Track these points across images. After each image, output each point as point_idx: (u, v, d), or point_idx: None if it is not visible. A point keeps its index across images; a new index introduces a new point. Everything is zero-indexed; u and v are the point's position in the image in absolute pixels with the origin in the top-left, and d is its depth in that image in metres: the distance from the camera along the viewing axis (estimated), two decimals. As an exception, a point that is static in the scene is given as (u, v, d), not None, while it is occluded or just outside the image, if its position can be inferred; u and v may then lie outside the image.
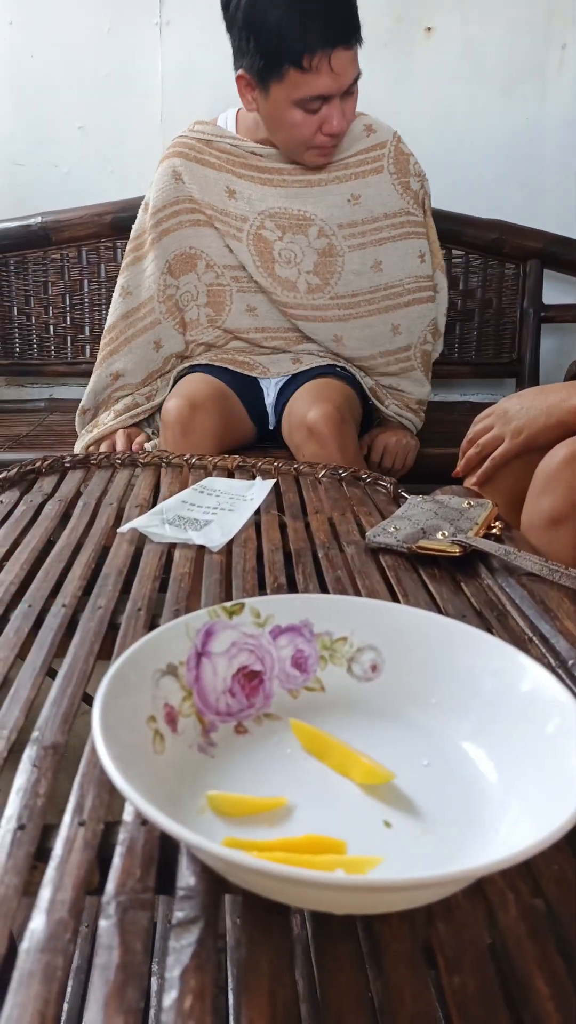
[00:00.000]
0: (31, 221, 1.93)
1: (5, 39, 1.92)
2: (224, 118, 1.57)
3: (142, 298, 1.58)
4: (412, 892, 0.34)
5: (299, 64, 1.27)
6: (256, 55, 1.30)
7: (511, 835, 0.38)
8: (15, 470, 0.97)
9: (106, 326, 1.61)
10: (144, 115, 1.97)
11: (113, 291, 1.84)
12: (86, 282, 1.97)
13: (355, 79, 1.36)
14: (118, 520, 0.85)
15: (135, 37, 1.93)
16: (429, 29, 1.94)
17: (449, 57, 1.96)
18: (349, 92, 1.37)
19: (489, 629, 0.63)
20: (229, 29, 1.36)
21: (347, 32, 1.29)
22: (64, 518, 0.86)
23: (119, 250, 1.96)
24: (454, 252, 1.99)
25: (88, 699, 0.53)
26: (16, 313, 1.99)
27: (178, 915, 0.36)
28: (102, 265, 1.97)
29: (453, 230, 1.96)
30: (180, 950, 0.34)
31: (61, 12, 1.91)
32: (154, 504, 0.89)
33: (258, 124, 1.48)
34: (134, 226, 1.61)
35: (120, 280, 1.60)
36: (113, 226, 1.92)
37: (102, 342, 1.61)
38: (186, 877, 0.38)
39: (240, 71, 1.37)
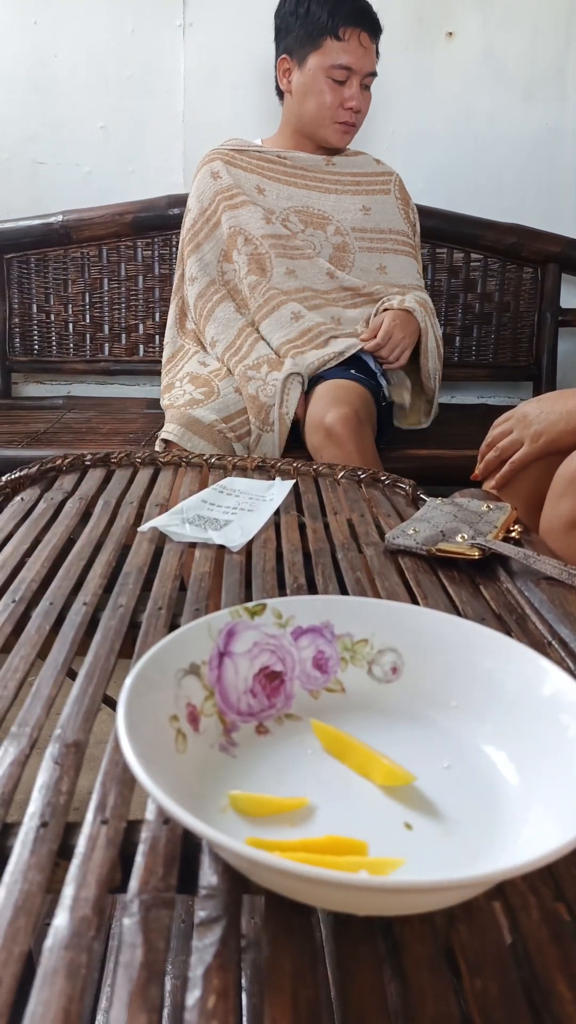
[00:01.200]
0: (52, 219, 1.94)
1: (29, 39, 1.94)
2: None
3: (206, 282, 1.68)
4: (436, 894, 0.34)
5: (335, 34, 1.58)
6: (301, 30, 1.61)
7: (533, 838, 0.38)
8: (36, 467, 0.98)
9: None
10: (166, 116, 1.98)
11: (132, 290, 1.89)
12: (106, 280, 1.98)
13: (372, 73, 1.62)
14: (138, 519, 0.85)
15: (158, 38, 1.94)
16: (450, 33, 1.94)
17: (470, 61, 1.96)
18: (366, 86, 1.63)
19: (508, 632, 0.63)
20: (277, 15, 1.66)
21: (373, 23, 1.61)
22: (84, 516, 0.86)
23: (139, 249, 1.97)
24: (472, 255, 1.99)
25: (107, 699, 0.53)
26: (36, 310, 2.00)
27: (200, 914, 0.36)
28: (122, 264, 1.98)
29: (472, 233, 1.96)
30: (203, 949, 0.34)
31: (85, 13, 1.92)
32: (174, 503, 0.89)
33: (282, 140, 1.73)
34: (184, 229, 1.73)
35: (186, 272, 1.72)
36: (133, 225, 1.94)
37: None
38: (208, 876, 0.38)
39: (282, 56, 1.65)
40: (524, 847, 0.38)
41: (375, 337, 1.57)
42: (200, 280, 1.68)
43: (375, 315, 1.65)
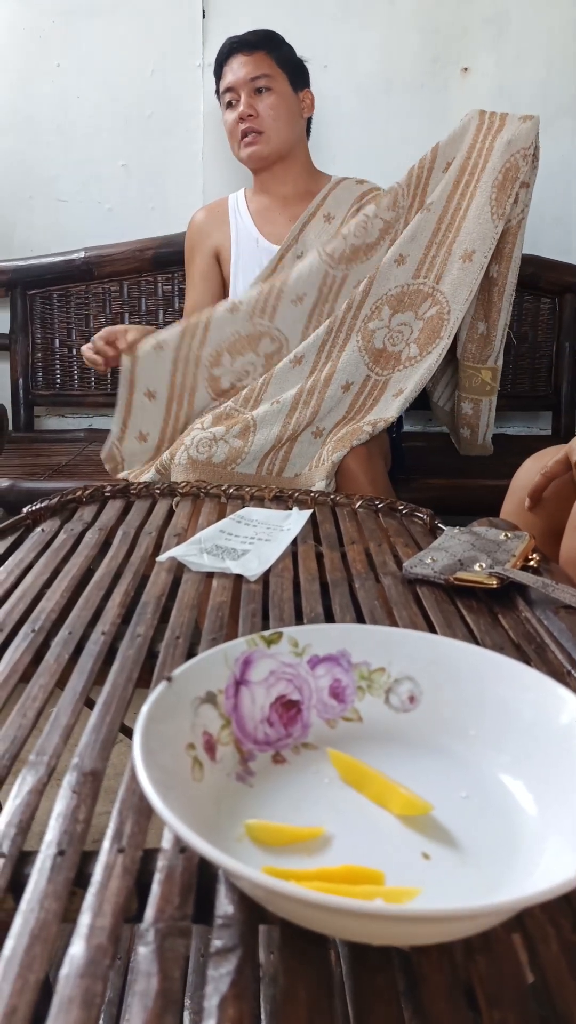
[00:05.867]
0: (75, 256, 1.98)
1: (53, 81, 1.99)
2: (235, 197, 1.82)
3: None
4: (453, 923, 0.33)
5: (221, 72, 1.72)
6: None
7: (551, 868, 0.37)
8: (56, 499, 0.99)
9: None
10: (185, 154, 2.02)
11: (152, 324, 1.90)
12: (127, 315, 2.01)
13: (258, 76, 1.67)
14: (157, 549, 0.86)
15: (178, 79, 1.99)
16: (465, 70, 1.97)
17: (485, 97, 1.98)
18: (260, 90, 1.67)
19: (527, 661, 0.62)
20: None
21: (242, 43, 1.69)
22: (104, 546, 0.87)
23: (160, 284, 2.00)
24: (490, 286, 2.00)
25: (124, 729, 0.53)
26: (58, 345, 2.03)
27: (216, 944, 0.36)
28: (143, 299, 2.01)
29: (489, 264, 1.96)
30: (218, 979, 0.34)
31: (106, 55, 1.98)
32: (193, 533, 0.90)
33: (255, 191, 1.79)
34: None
35: None
36: (154, 261, 1.97)
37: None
38: (224, 905, 0.38)
39: None
40: (542, 877, 0.37)
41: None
42: None
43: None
